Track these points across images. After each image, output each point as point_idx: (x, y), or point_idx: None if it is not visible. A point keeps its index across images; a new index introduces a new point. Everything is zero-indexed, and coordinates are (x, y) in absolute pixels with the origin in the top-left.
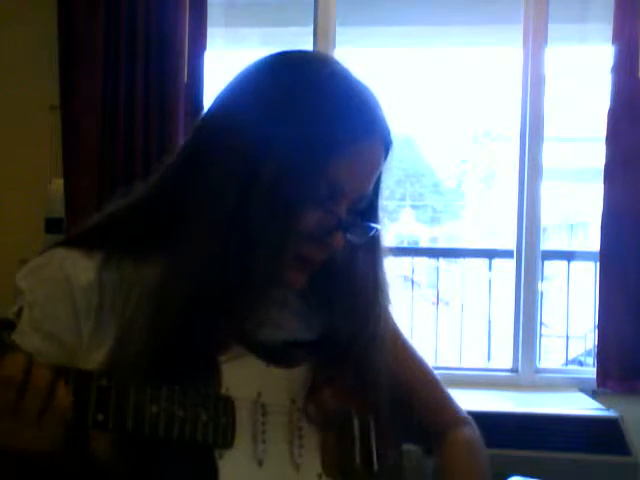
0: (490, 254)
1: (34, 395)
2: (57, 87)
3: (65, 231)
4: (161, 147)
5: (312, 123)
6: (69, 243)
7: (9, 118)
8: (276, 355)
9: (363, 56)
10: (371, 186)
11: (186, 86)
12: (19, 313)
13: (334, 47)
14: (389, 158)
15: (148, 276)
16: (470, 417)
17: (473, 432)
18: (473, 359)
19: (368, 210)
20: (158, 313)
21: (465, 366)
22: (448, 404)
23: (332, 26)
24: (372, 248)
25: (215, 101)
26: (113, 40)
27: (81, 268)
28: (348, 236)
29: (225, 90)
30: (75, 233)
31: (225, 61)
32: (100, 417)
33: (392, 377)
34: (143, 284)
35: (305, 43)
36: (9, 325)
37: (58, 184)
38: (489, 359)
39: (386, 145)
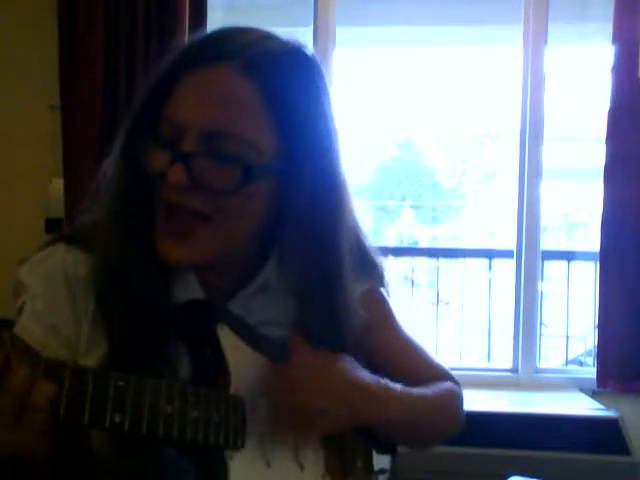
0: (490, 254)
1: (9, 395)
2: (57, 87)
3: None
4: None
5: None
6: (69, 239)
7: (9, 118)
8: (280, 353)
9: (363, 56)
10: (223, 116)
11: None
12: (22, 308)
13: (334, 47)
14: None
15: None
16: (452, 374)
17: (455, 386)
18: (473, 359)
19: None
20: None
21: (465, 366)
22: (428, 362)
23: (332, 26)
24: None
25: None
26: (113, 40)
27: (80, 263)
28: (199, 171)
29: None
30: (74, 229)
31: None
32: (117, 418)
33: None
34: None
35: (305, 43)
36: (8, 324)
37: (58, 184)
38: (489, 359)
39: (240, 68)
